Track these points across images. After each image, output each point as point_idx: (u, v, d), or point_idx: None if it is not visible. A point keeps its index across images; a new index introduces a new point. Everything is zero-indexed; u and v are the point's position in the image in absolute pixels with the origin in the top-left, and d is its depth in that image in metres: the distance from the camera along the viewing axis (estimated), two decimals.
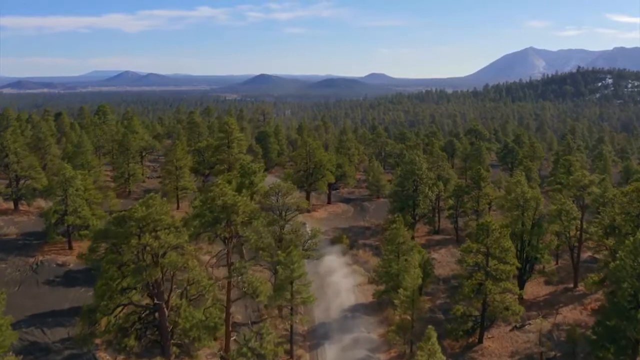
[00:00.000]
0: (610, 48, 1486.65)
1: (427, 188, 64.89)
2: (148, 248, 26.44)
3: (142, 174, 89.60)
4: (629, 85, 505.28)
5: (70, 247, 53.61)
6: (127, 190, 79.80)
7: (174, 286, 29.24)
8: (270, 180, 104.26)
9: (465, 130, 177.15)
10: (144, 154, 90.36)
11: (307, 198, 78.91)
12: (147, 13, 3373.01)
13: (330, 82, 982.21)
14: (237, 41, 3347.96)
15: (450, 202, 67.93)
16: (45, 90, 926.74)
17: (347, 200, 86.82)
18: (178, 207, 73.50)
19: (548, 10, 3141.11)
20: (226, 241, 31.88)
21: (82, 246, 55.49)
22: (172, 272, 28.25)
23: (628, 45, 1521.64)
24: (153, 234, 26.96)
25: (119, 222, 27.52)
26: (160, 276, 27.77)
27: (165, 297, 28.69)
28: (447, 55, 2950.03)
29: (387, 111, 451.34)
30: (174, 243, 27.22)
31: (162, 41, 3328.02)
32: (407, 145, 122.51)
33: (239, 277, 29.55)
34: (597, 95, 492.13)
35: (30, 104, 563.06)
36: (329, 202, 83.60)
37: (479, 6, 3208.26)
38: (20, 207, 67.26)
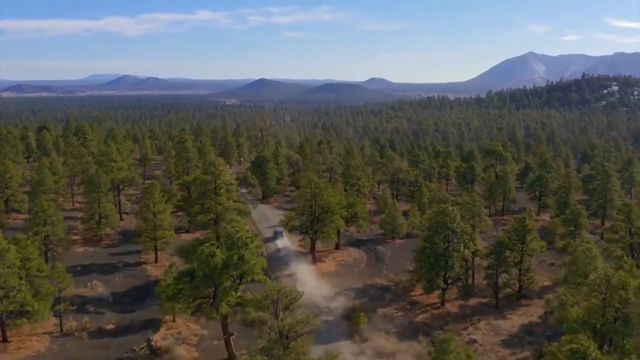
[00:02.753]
0: (611, 53, 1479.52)
1: (462, 245, 52.32)
2: None
3: (119, 212, 77.00)
4: (635, 93, 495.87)
5: (5, 340, 40.97)
6: (99, 235, 67.06)
7: None
8: (268, 212, 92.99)
9: (484, 151, 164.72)
10: (121, 187, 77.66)
11: (312, 246, 66.35)
12: (147, 17, 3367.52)
13: (330, 87, 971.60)
14: (237, 45, 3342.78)
15: (489, 259, 55.25)
16: (45, 94, 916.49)
17: (358, 243, 74.25)
18: (157, 261, 60.91)
19: (548, 15, 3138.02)
20: None
21: (21, 335, 42.94)
22: None
23: (628, 51, 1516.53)
24: None
25: None
26: None
27: None
28: (448, 60, 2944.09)
29: (390, 119, 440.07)
30: None
31: (162, 45, 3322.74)
32: (420, 169, 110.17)
33: None
34: (603, 102, 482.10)
35: (28, 108, 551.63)
36: (337, 247, 70.94)
37: (480, 10, 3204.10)
38: None
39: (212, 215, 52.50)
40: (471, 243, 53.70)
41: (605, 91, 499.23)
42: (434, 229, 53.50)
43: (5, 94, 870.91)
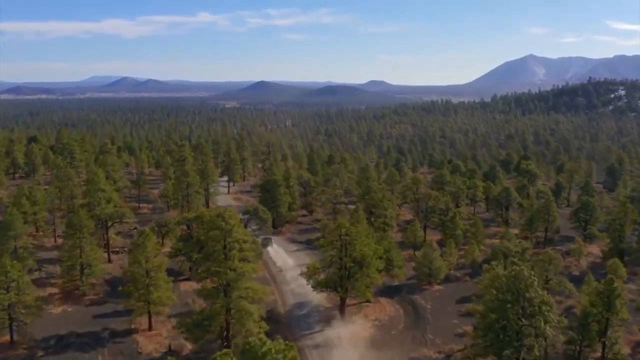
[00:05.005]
0: (611, 55, 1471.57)
1: (541, 320, 40.69)
2: None
3: (107, 252, 65.35)
4: None
5: None
6: (81, 290, 55.23)
7: None
8: (282, 247, 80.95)
9: (499, 161, 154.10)
10: (110, 224, 65.95)
11: (342, 304, 54.58)
12: (147, 19, 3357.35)
13: (330, 89, 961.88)
14: (237, 47, 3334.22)
15: (572, 334, 43.73)
16: (44, 96, 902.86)
17: (390, 291, 62.52)
18: (150, 328, 49.16)
19: (548, 17, 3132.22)
20: None
21: None
22: None
23: (628, 53, 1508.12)
24: None
25: None
26: None
27: None
28: (447, 62, 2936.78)
29: (394, 124, 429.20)
30: None
31: (161, 47, 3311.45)
32: (448, 192, 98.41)
33: None
34: (611, 107, 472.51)
35: (26, 111, 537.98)
36: (367, 300, 59.17)
37: (479, 13, 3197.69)
38: None
39: (221, 280, 40.88)
40: (551, 315, 42.01)
41: (612, 95, 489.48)
42: (504, 297, 41.89)
43: (4, 96, 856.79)
